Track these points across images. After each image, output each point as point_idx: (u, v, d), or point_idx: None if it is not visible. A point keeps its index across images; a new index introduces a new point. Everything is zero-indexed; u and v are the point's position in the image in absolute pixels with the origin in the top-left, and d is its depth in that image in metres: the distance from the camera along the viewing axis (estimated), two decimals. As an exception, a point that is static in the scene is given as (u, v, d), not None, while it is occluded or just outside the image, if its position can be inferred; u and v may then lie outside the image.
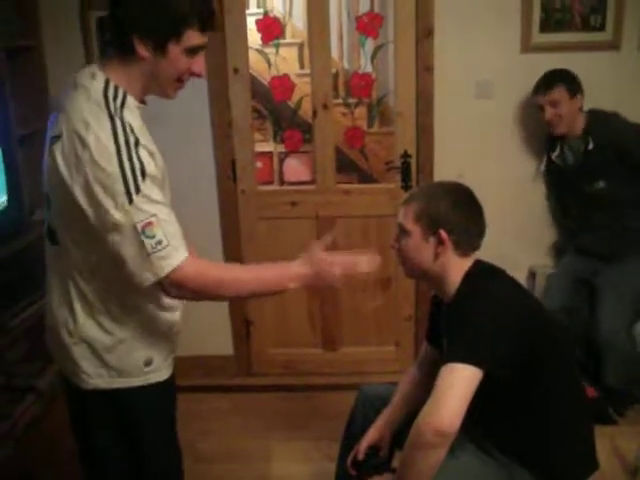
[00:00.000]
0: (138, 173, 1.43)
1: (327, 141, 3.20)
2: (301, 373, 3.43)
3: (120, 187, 1.41)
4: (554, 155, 2.97)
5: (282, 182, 4.71)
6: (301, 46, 4.75)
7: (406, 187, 3.20)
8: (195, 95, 3.09)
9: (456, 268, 1.77)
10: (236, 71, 3.11)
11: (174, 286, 1.50)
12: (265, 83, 3.49)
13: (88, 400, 1.70)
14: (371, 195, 3.30)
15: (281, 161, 4.75)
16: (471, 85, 3.07)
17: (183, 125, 3.12)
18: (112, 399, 1.67)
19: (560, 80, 2.84)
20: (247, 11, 3.15)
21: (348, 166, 4.08)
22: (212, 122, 3.13)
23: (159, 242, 1.44)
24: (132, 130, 1.46)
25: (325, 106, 3.14)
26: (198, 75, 1.58)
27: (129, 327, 1.64)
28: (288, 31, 4.31)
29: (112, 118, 1.45)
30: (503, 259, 1.89)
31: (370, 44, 3.30)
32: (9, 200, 2.60)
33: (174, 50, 1.49)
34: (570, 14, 2.98)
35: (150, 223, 1.44)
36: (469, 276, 1.76)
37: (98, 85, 1.50)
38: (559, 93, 2.83)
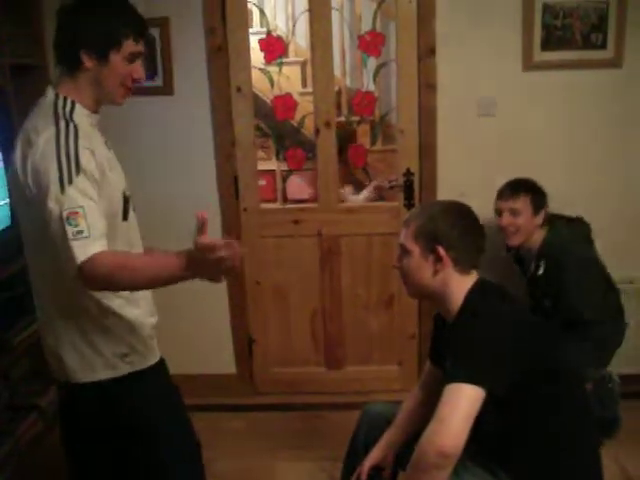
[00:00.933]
0: (73, 167, 1.55)
1: (330, 159, 3.21)
2: (304, 392, 3.41)
3: (55, 178, 1.54)
4: (514, 262, 2.93)
5: (285, 200, 4.71)
6: (304, 64, 4.76)
7: (409, 205, 3.19)
8: (198, 113, 3.11)
9: (457, 286, 1.76)
10: (239, 90, 3.12)
11: (84, 277, 1.53)
12: (268, 101, 3.50)
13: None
14: (374, 213, 3.30)
15: (284, 179, 4.76)
16: (473, 103, 3.07)
17: (186, 143, 3.14)
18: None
19: (527, 191, 2.72)
20: (250, 30, 3.17)
21: (351, 184, 4.08)
22: (215, 140, 3.14)
23: (80, 232, 1.52)
24: (76, 130, 1.61)
25: (328, 124, 3.15)
26: (139, 80, 1.77)
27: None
28: (291, 50, 4.33)
29: (57, 121, 1.62)
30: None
31: (372, 62, 3.31)
32: (13, 217, 2.60)
33: (115, 58, 1.69)
34: (571, 32, 2.99)
35: (76, 213, 1.53)
36: (471, 294, 1.75)
37: (49, 99, 1.70)
38: (522, 202, 2.69)
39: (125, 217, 1.78)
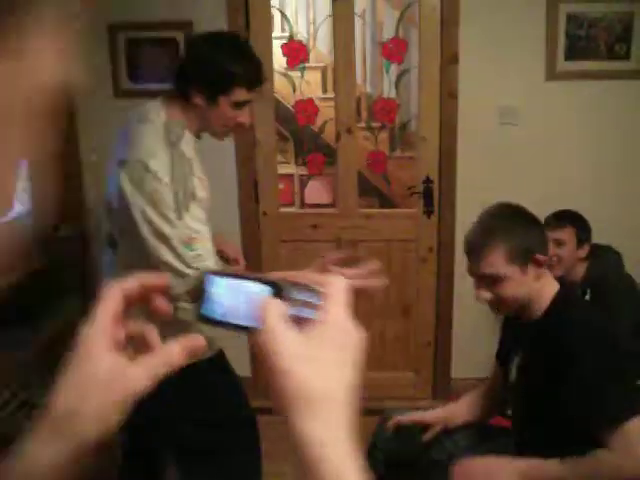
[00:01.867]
0: (189, 196, 1.71)
1: (350, 165, 3.21)
2: (319, 397, 3.40)
3: (172, 206, 1.68)
4: None
5: (303, 204, 4.73)
6: (324, 70, 4.78)
7: (428, 212, 3.19)
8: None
9: (546, 285, 1.73)
10: (261, 94, 3.13)
11: None
12: (289, 106, 3.51)
13: None
14: (393, 220, 3.30)
15: (302, 183, 4.77)
16: (495, 112, 3.06)
17: (207, 145, 3.14)
18: None
19: (573, 223, 2.68)
20: (272, 34, 3.18)
21: (370, 190, 4.09)
22: (236, 143, 3.15)
23: (199, 255, 1.69)
24: (188, 160, 1.76)
25: (349, 130, 3.15)
26: (243, 125, 1.90)
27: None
28: (312, 55, 4.34)
29: (172, 149, 1.74)
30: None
31: (394, 69, 3.31)
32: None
33: (223, 102, 1.82)
34: (595, 42, 2.97)
35: (194, 238, 1.69)
36: (558, 298, 1.72)
37: (161, 118, 1.80)
38: (568, 234, 2.66)
39: None
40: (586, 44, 2.98)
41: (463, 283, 3.23)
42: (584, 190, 3.05)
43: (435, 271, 3.26)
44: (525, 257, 1.68)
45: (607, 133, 3.07)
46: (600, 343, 1.62)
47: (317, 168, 3.38)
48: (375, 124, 3.39)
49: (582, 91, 3.02)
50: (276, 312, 0.55)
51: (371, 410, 2.83)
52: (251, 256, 3.26)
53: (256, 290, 0.59)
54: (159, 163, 1.71)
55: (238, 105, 1.84)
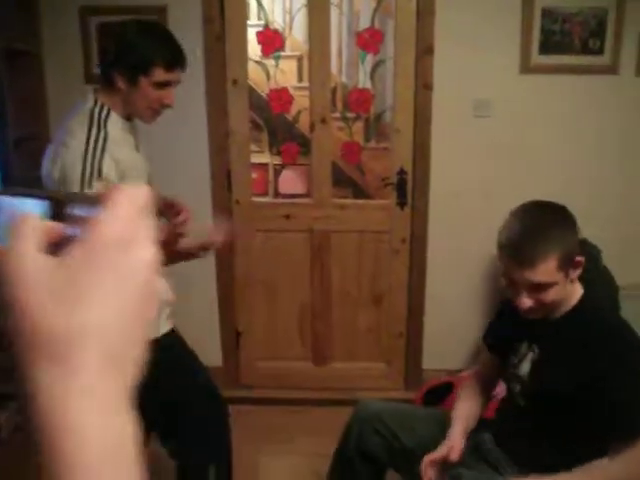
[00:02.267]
0: (95, 173, 1.75)
1: (324, 155, 3.20)
2: (290, 387, 3.40)
3: (77, 179, 1.74)
4: None
5: (276, 194, 4.70)
6: (300, 59, 4.75)
7: (402, 204, 3.19)
8: (193, 104, 3.09)
9: (575, 286, 1.73)
10: (235, 82, 3.11)
11: None
12: (263, 95, 3.49)
13: None
14: (366, 210, 3.30)
15: (276, 173, 4.74)
16: (469, 104, 3.07)
17: (180, 133, 3.12)
18: None
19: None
20: (248, 22, 3.16)
21: (344, 181, 4.07)
22: (209, 132, 3.13)
23: None
24: (105, 138, 1.81)
25: (323, 120, 3.14)
26: (168, 105, 1.93)
27: None
28: (288, 44, 4.31)
29: (90, 127, 1.81)
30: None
31: (369, 60, 3.30)
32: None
33: (144, 83, 1.86)
34: (569, 37, 2.99)
35: None
36: (588, 301, 1.72)
37: (88, 103, 1.89)
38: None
39: None
40: (560, 39, 3.00)
41: (435, 275, 3.26)
42: (557, 181, 3.08)
43: (407, 262, 3.27)
44: (571, 262, 1.64)
45: (579, 126, 3.10)
46: (632, 356, 1.62)
47: (291, 158, 3.36)
48: (350, 114, 3.38)
49: (556, 85, 3.04)
50: (28, 232, 0.43)
51: (343, 401, 2.85)
52: (224, 245, 3.24)
53: (29, 208, 0.47)
54: (75, 140, 1.79)
55: (159, 85, 1.88)
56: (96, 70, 2.03)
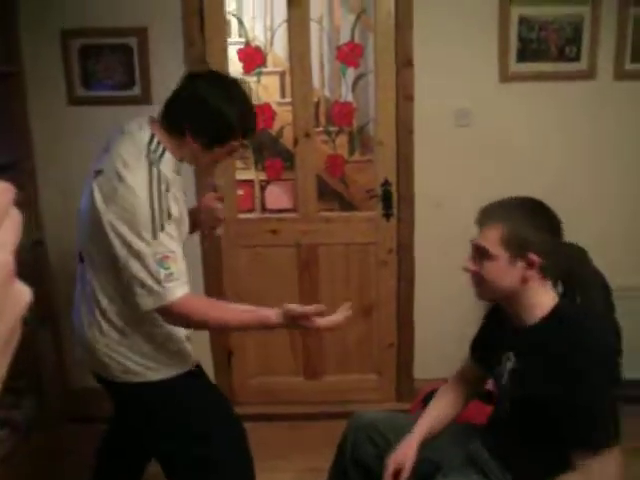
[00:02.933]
0: (165, 215, 1.69)
1: (308, 169, 3.21)
2: (283, 402, 3.40)
3: (147, 224, 1.67)
4: None
5: (264, 210, 4.71)
6: (282, 75, 4.78)
7: (387, 215, 3.21)
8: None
9: (540, 292, 1.71)
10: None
11: (170, 314, 1.76)
12: (246, 112, 3.50)
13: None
14: (352, 223, 3.31)
15: (262, 189, 4.76)
16: (451, 114, 3.10)
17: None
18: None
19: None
20: (229, 40, 3.18)
21: (329, 194, 4.09)
22: (193, 150, 3.13)
23: (171, 274, 1.71)
24: (166, 179, 1.74)
25: (307, 134, 3.16)
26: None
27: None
28: (269, 60, 4.34)
29: (150, 166, 1.72)
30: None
31: (351, 73, 3.33)
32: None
33: (218, 150, 1.84)
34: (546, 45, 3.03)
35: (167, 257, 1.70)
36: (562, 310, 1.71)
37: (144, 135, 1.78)
38: None
39: None
40: (537, 46, 3.03)
41: (423, 284, 3.27)
42: (540, 186, 3.09)
43: (395, 273, 3.28)
44: (519, 249, 1.66)
45: (560, 133, 3.13)
46: (604, 363, 1.62)
47: (276, 173, 3.38)
48: (333, 128, 3.40)
49: (535, 92, 3.08)
50: None
51: (336, 414, 2.85)
52: (211, 262, 3.25)
53: None
54: (136, 178, 1.70)
55: (231, 152, 1.91)
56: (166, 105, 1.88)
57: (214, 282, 3.27)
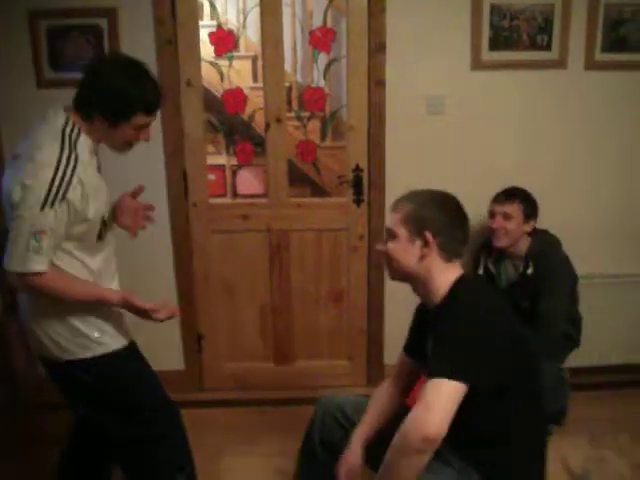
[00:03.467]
0: (60, 195, 1.77)
1: (280, 154, 3.20)
2: (254, 387, 3.40)
3: (41, 196, 1.75)
4: (490, 264, 3.02)
5: (235, 195, 4.70)
6: (255, 59, 4.75)
7: (358, 201, 3.22)
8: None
9: (442, 273, 1.80)
10: (189, 83, 3.09)
11: (24, 285, 1.84)
12: (218, 95, 3.47)
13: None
14: (324, 209, 3.31)
15: (234, 174, 4.74)
16: (423, 101, 3.11)
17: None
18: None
19: (521, 199, 2.86)
20: (200, 23, 3.14)
21: (301, 179, 4.09)
22: (164, 134, 3.10)
23: (40, 249, 1.78)
24: (75, 162, 1.81)
25: (278, 119, 3.14)
26: (145, 140, 2.00)
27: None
28: (242, 44, 4.30)
29: (62, 148, 1.81)
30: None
31: (323, 58, 3.31)
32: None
33: (124, 126, 1.90)
34: (518, 33, 3.05)
35: (44, 232, 1.78)
36: (458, 284, 1.78)
37: (59, 120, 1.87)
38: (515, 209, 2.83)
39: (100, 237, 1.99)
40: (509, 35, 3.05)
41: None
42: (507, 175, 3.13)
43: (366, 259, 3.30)
44: (416, 227, 1.80)
45: (530, 120, 3.16)
46: (467, 316, 1.69)
47: (246, 158, 3.35)
48: (305, 113, 3.39)
49: (506, 80, 3.10)
50: None
51: (307, 399, 2.86)
52: (181, 247, 3.23)
53: None
54: (44, 157, 1.78)
55: (138, 128, 1.93)
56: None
57: (184, 266, 3.25)
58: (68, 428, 2.30)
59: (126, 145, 1.98)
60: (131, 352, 2.14)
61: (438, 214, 1.81)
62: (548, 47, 3.06)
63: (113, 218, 2.12)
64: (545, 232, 2.95)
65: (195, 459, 2.25)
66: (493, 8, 3.01)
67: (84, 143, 1.88)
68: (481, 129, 3.15)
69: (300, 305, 3.36)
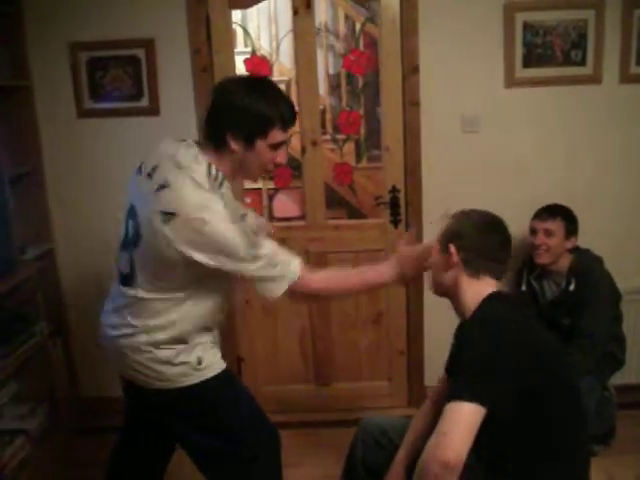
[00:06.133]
0: (250, 234, 1.84)
1: (316, 177, 3.23)
2: (293, 409, 3.40)
3: (244, 247, 1.79)
4: (532, 280, 3.00)
5: (272, 218, 4.73)
6: (288, 83, 4.81)
7: (395, 222, 3.22)
8: (184, 133, 3.11)
9: (470, 289, 1.81)
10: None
11: (300, 289, 1.97)
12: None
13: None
14: (361, 230, 3.32)
15: (270, 197, 4.78)
16: (457, 120, 3.11)
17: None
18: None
19: (563, 216, 2.86)
20: (235, 50, 3.19)
21: (337, 202, 4.11)
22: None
23: (276, 265, 1.89)
24: (231, 200, 1.88)
25: (314, 143, 3.17)
26: (280, 164, 1.98)
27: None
28: (275, 69, 4.37)
29: (217, 193, 1.82)
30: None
31: (357, 81, 3.35)
32: (-1, 240, 2.59)
33: (261, 145, 1.85)
34: (551, 49, 3.04)
35: (276, 254, 1.90)
36: (487, 301, 1.77)
37: (201, 168, 1.83)
38: (557, 225, 2.84)
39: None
40: (543, 51, 3.04)
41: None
42: (546, 193, 3.11)
43: (405, 280, 3.28)
44: (445, 241, 1.85)
45: (566, 137, 3.14)
46: (488, 333, 1.66)
47: (284, 181, 3.39)
48: (340, 136, 3.41)
49: (541, 97, 3.08)
50: None
51: (347, 421, 2.84)
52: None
53: None
54: (214, 212, 1.76)
55: (275, 146, 1.88)
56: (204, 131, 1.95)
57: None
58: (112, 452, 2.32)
59: (262, 171, 1.97)
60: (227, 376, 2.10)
61: (469, 230, 1.83)
62: (582, 62, 3.05)
63: None
64: (587, 250, 2.93)
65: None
66: (526, 25, 3.01)
67: (226, 185, 1.89)
68: (516, 146, 3.14)
69: (339, 327, 3.36)
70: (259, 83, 1.91)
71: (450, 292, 1.86)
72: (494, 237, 1.85)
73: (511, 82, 3.06)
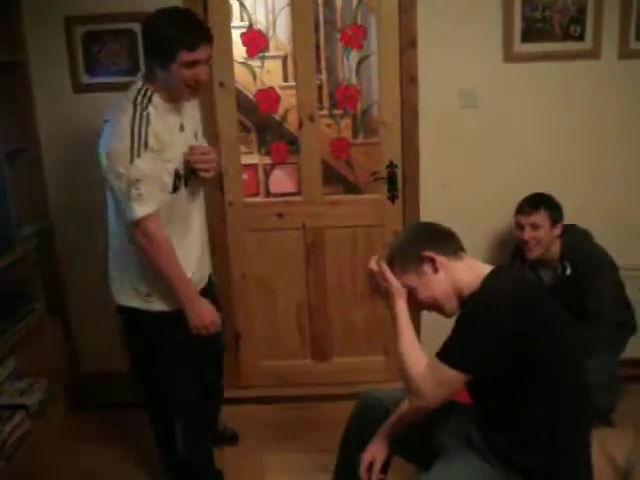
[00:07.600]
0: (142, 144, 2.07)
1: (313, 152, 3.22)
2: (291, 384, 3.43)
3: (126, 151, 2.06)
4: (527, 269, 2.97)
5: (268, 194, 4.73)
6: (285, 59, 4.77)
7: (392, 197, 3.22)
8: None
9: (464, 271, 1.82)
10: (222, 85, 3.12)
11: (137, 231, 2.14)
12: (250, 96, 3.50)
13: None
14: (357, 205, 3.32)
15: (267, 173, 4.77)
16: (455, 95, 3.09)
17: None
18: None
19: (545, 205, 2.85)
20: (231, 24, 3.17)
21: (334, 177, 4.10)
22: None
23: (140, 195, 2.08)
24: (148, 117, 2.11)
25: (311, 118, 3.16)
26: (202, 81, 2.18)
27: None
28: (271, 44, 4.33)
29: (135, 108, 2.12)
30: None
31: (354, 56, 3.32)
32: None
33: (174, 67, 2.10)
34: (550, 24, 3.02)
35: (139, 180, 2.07)
36: (488, 278, 1.78)
37: (135, 87, 2.19)
38: (542, 217, 2.83)
39: (174, 190, 2.23)
40: (542, 26, 3.02)
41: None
42: (544, 168, 3.11)
43: (401, 255, 3.29)
44: (414, 260, 1.82)
45: (564, 112, 3.13)
46: (485, 301, 1.70)
47: (280, 157, 3.38)
48: (337, 111, 3.40)
49: (539, 72, 3.07)
50: None
51: (345, 395, 2.87)
52: (218, 246, 3.26)
53: None
54: (121, 117, 2.10)
55: (189, 65, 2.10)
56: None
57: (221, 265, 3.28)
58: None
59: (186, 88, 2.16)
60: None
61: (411, 236, 1.90)
62: (581, 37, 3.03)
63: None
64: (573, 227, 2.93)
65: (235, 455, 2.28)
66: (524, 0, 2.99)
67: (157, 102, 2.16)
68: (514, 121, 3.13)
69: (336, 302, 3.38)
70: (173, 12, 2.18)
71: (456, 289, 1.82)
72: (425, 226, 2.01)
73: (510, 57, 3.05)
